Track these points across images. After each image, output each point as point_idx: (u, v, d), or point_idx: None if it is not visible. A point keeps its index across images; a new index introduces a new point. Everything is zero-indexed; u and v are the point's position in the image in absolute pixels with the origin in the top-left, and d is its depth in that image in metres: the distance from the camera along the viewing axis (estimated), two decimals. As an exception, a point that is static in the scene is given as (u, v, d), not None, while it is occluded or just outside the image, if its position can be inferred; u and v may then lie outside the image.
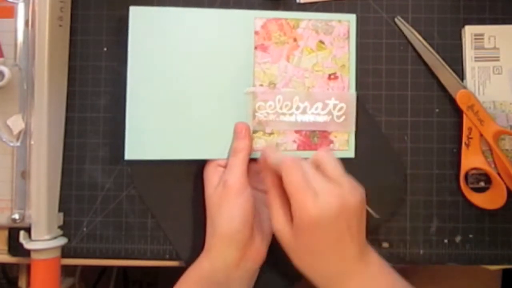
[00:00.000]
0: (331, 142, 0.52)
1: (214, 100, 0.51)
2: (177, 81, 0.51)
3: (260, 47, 0.52)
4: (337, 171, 0.45)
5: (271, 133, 0.52)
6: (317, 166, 0.45)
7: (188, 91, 0.51)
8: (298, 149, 0.52)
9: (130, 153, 0.51)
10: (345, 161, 0.51)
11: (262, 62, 0.52)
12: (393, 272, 0.46)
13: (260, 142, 0.52)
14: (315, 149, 0.52)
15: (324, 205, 0.42)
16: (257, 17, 0.52)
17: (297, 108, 0.52)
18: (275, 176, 0.45)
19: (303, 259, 0.45)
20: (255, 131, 0.52)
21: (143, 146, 0.51)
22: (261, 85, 0.52)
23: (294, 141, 0.52)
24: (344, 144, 0.52)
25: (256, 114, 0.52)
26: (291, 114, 0.52)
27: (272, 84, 0.52)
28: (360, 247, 0.45)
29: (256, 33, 0.52)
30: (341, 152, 0.52)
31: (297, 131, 0.52)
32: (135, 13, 0.51)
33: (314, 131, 0.52)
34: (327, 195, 0.43)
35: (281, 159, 0.44)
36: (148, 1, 0.53)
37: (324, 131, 0.52)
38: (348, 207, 0.43)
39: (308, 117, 0.52)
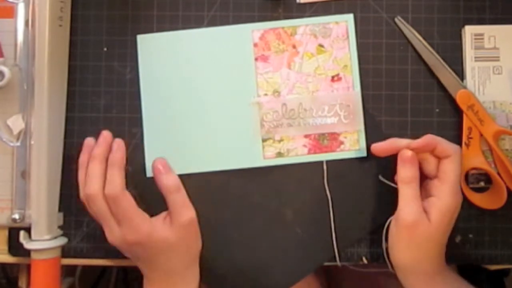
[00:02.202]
0: (342, 142, 0.53)
1: (222, 114, 0.53)
2: (187, 99, 0.53)
3: (261, 58, 0.53)
4: None
5: (280, 140, 0.53)
6: None
7: (197, 108, 0.53)
8: (309, 153, 0.52)
9: (151, 171, 0.52)
10: (351, 161, 0.52)
11: (264, 72, 0.53)
12: None
13: (271, 150, 0.52)
14: (326, 152, 0.52)
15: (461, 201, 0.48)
16: (254, 29, 0.53)
17: (304, 113, 0.52)
18: (417, 168, 0.47)
19: (420, 250, 0.47)
20: (264, 140, 0.53)
21: None
22: (266, 94, 0.53)
23: (305, 146, 0.53)
24: (355, 143, 0.53)
25: (264, 123, 0.52)
26: (298, 120, 0.52)
27: (276, 92, 0.53)
28: None
29: (255, 45, 0.53)
30: (353, 152, 0.52)
31: (306, 136, 0.53)
32: (142, 40, 0.53)
33: (323, 134, 0.53)
34: (460, 192, 0.48)
35: (452, 145, 0.47)
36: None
37: (333, 133, 0.53)
38: None
39: (316, 121, 0.52)
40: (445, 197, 0.46)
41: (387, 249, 0.49)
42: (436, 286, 0.47)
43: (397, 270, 0.48)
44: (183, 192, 0.49)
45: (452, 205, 0.46)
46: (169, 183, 0.48)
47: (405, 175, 0.47)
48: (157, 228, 0.47)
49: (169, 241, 0.47)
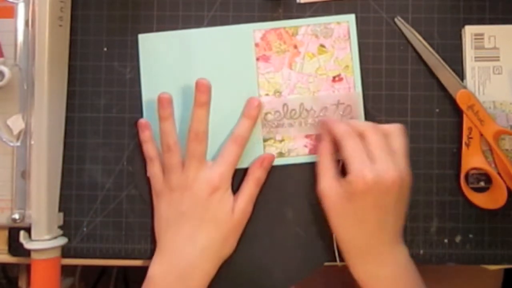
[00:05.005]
0: None
1: (223, 114, 0.52)
2: (187, 99, 0.52)
3: (262, 58, 0.53)
4: (402, 149, 0.48)
5: (281, 140, 0.53)
6: (385, 136, 0.48)
7: None
8: (309, 153, 0.52)
9: None
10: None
11: (265, 72, 0.53)
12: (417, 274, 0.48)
13: (271, 150, 0.53)
14: None
15: (380, 173, 0.45)
16: (256, 29, 0.53)
17: (305, 113, 0.52)
18: (329, 143, 0.49)
19: (344, 224, 0.47)
20: (265, 140, 0.53)
21: None
22: (267, 94, 0.53)
23: (305, 146, 0.53)
24: None
25: (265, 123, 0.53)
26: (299, 120, 0.52)
27: (277, 93, 0.53)
28: (399, 232, 0.48)
29: (257, 45, 0.53)
30: None
31: (307, 136, 0.53)
32: (144, 39, 0.53)
33: None
34: (385, 165, 0.45)
35: (342, 128, 0.48)
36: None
37: None
38: (402, 185, 0.46)
39: (317, 121, 0.52)
40: (350, 172, 0.46)
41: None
42: (387, 265, 0.47)
43: (349, 254, 0.48)
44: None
45: (364, 179, 0.45)
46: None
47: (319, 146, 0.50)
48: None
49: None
